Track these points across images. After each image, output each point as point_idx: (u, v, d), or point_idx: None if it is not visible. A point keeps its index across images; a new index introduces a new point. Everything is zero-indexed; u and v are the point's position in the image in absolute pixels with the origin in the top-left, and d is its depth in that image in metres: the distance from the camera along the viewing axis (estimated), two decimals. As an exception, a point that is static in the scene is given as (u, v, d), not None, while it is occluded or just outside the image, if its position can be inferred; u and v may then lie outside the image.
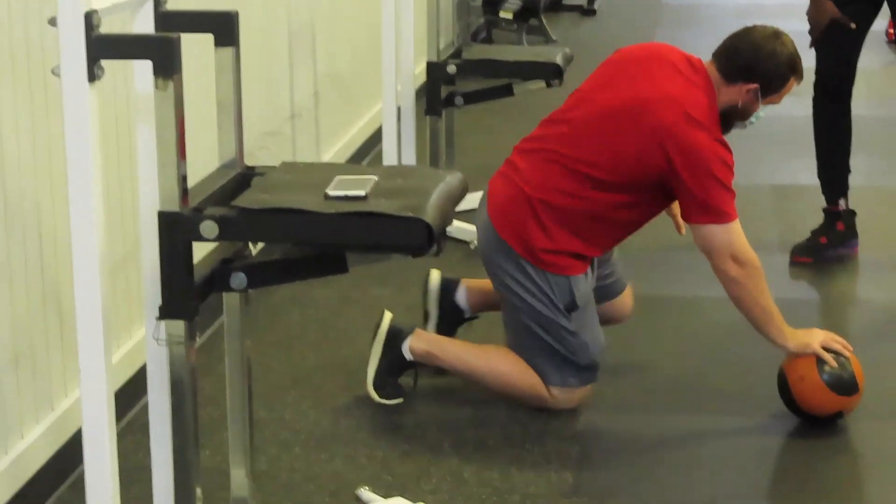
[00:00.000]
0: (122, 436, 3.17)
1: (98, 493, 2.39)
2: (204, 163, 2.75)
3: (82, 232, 2.29)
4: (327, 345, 4.09)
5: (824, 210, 4.92)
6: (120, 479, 2.43)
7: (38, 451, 3.09)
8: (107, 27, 2.28)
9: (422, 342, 3.66)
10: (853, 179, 4.92)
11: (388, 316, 3.71)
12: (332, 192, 2.47)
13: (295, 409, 3.64)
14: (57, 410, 3.17)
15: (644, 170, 3.48)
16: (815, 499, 3.22)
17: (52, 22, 2.24)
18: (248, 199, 2.48)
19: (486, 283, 3.87)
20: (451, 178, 2.65)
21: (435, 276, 3.97)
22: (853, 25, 4.63)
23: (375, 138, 5.92)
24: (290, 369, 3.90)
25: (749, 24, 3.70)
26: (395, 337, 3.66)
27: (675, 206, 3.75)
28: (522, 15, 9.05)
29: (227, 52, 2.64)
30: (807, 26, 4.70)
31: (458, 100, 5.24)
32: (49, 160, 3.06)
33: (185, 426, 2.47)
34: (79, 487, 2.76)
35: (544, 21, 9.23)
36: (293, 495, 3.19)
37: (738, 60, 3.60)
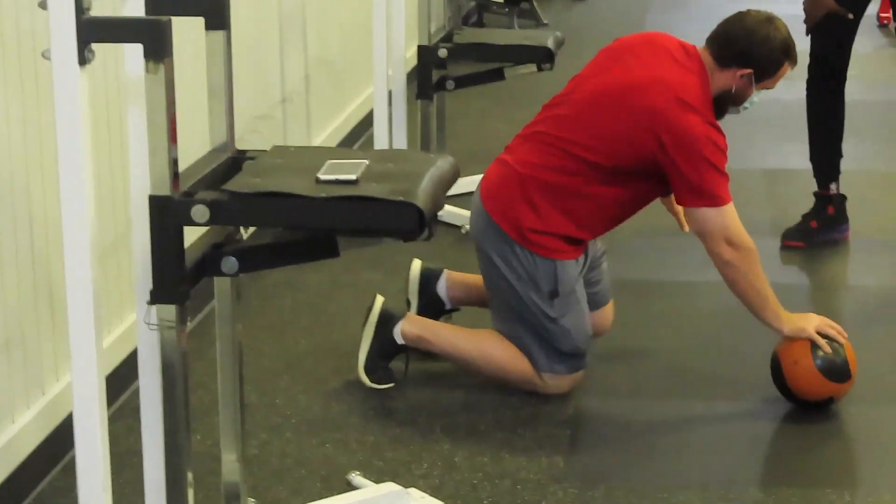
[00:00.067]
0: (113, 420, 3.15)
1: (89, 477, 2.39)
2: (195, 147, 2.74)
3: (73, 216, 2.28)
4: (318, 329, 4.09)
5: (815, 194, 4.92)
6: (111, 463, 2.42)
7: (30, 436, 3.08)
8: (97, 10, 2.27)
9: (414, 326, 3.66)
10: (844, 163, 4.92)
11: (379, 300, 3.71)
12: (323, 177, 2.46)
13: (286, 394, 3.63)
14: (48, 395, 3.17)
15: (637, 153, 3.48)
16: (806, 483, 3.22)
17: (43, 5, 2.23)
18: (239, 184, 2.47)
19: (469, 277, 3.87)
20: (443, 162, 2.64)
21: (415, 266, 3.96)
22: (851, 16, 4.63)
23: (366, 122, 5.91)
24: (282, 354, 3.90)
25: (742, 8, 3.70)
26: (387, 321, 3.66)
27: (678, 205, 3.73)
28: (514, -2, 9.03)
29: (218, 35, 2.62)
30: (800, 9, 4.70)
31: (450, 84, 5.23)
32: (39, 145, 3.05)
33: (176, 410, 2.46)
34: (70, 471, 2.76)
35: (535, 5, 9.21)
36: (284, 480, 3.18)
37: (731, 46, 3.60)
